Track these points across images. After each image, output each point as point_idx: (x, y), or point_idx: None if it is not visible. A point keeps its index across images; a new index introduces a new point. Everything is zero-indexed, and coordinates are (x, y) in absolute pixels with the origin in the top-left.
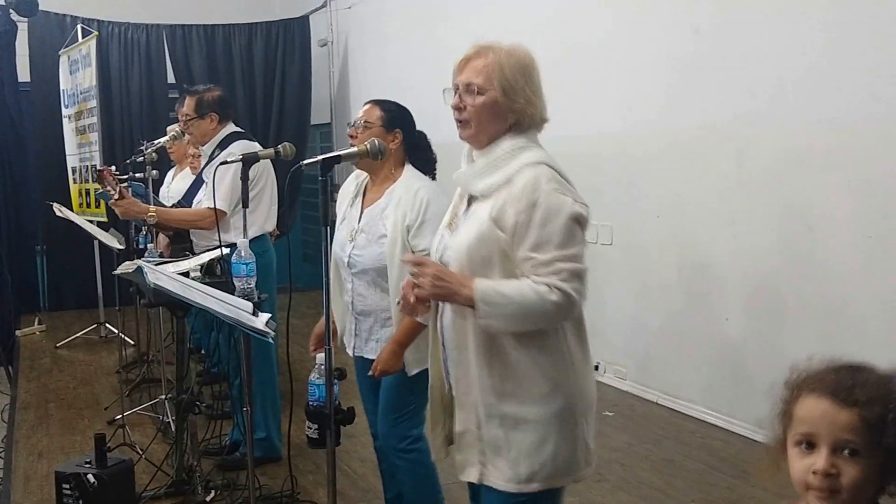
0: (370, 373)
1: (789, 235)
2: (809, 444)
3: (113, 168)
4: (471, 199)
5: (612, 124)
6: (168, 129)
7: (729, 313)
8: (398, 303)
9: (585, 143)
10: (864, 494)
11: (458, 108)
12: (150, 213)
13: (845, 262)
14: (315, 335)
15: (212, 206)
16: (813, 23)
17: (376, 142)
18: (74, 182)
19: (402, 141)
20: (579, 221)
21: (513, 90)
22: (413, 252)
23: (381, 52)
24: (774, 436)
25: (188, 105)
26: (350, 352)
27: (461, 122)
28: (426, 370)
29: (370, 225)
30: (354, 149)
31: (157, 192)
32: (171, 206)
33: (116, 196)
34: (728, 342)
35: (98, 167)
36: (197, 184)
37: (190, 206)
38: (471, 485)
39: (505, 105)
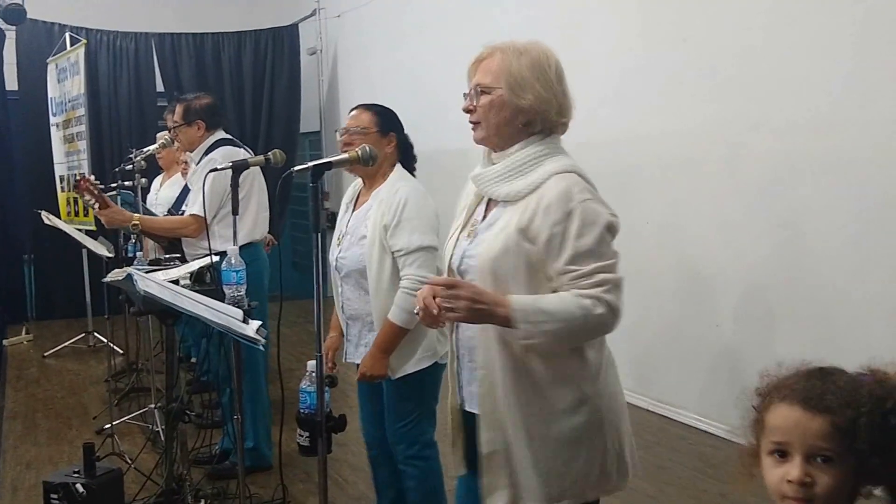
0: (357, 379)
1: (781, 242)
2: (782, 453)
3: (92, 177)
4: (489, 204)
5: (605, 132)
6: (158, 136)
7: (721, 320)
8: (416, 313)
9: (578, 150)
10: (839, 499)
11: (468, 111)
12: (133, 223)
13: (836, 268)
14: (329, 348)
15: (193, 212)
16: (802, 29)
17: (367, 148)
18: (62, 190)
19: (397, 144)
20: (613, 231)
21: (520, 87)
22: (391, 253)
23: (370, 60)
24: (747, 444)
25: (176, 112)
26: (344, 358)
27: (473, 125)
28: (422, 371)
29: (354, 227)
30: (345, 155)
31: (145, 200)
32: (161, 214)
33: (98, 206)
34: (721, 348)
35: (77, 177)
36: (185, 191)
37: (179, 213)
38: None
39: (512, 103)
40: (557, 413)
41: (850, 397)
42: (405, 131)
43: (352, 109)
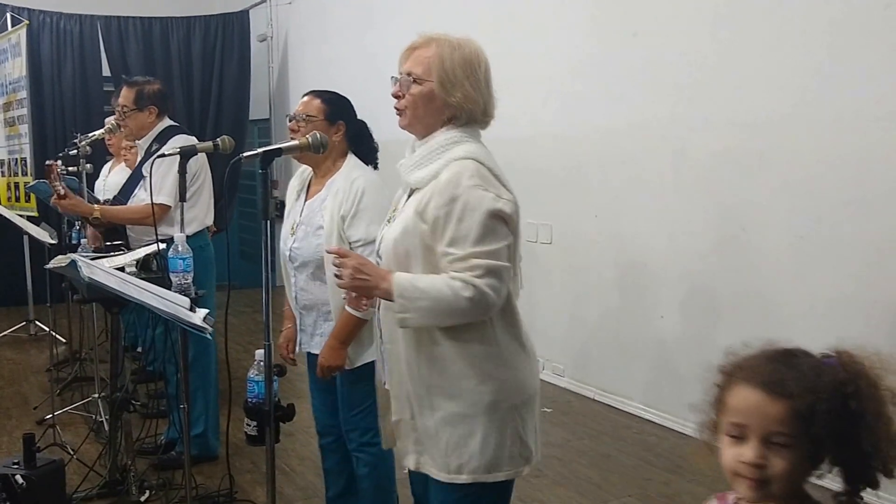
0: (317, 373)
1: (723, 236)
2: (739, 434)
3: (59, 163)
4: (411, 192)
5: (551, 125)
6: (106, 120)
7: (664, 311)
8: (344, 298)
9: (525, 143)
10: (793, 482)
11: (396, 97)
12: (94, 215)
13: (777, 262)
14: (285, 338)
15: (157, 201)
16: (746, 28)
17: (318, 135)
18: (3, 175)
19: (345, 133)
20: (501, 218)
21: (451, 84)
22: (349, 243)
23: (321, 48)
24: (708, 420)
25: (125, 96)
26: (297, 348)
27: (398, 111)
28: (370, 363)
29: (309, 217)
30: (295, 142)
31: (91, 187)
32: (106, 201)
33: (61, 192)
34: (663, 340)
35: (46, 162)
36: (134, 178)
37: (126, 201)
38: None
39: (441, 98)
40: (458, 389)
41: (811, 383)
42: (361, 119)
43: (304, 95)
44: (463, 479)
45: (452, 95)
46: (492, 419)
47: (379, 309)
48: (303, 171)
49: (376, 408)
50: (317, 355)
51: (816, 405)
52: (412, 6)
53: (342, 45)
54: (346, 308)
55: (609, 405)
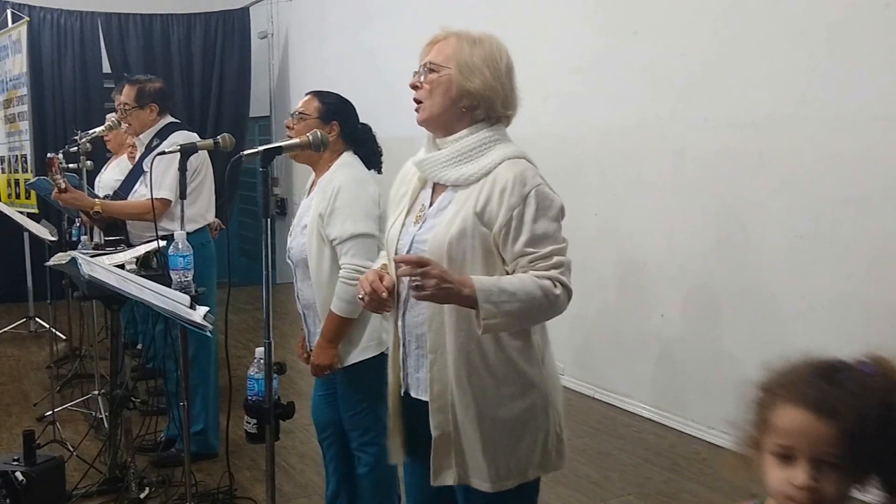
0: (310, 371)
1: (723, 234)
2: (788, 456)
3: (60, 156)
4: (435, 189)
5: (551, 124)
6: (108, 117)
7: (664, 310)
8: (361, 298)
9: (525, 141)
10: (843, 499)
11: (414, 87)
12: (95, 208)
13: (776, 260)
14: (301, 337)
15: (158, 196)
16: (746, 27)
17: (318, 133)
18: (3, 172)
19: (340, 133)
20: (563, 215)
21: (469, 70)
22: (329, 241)
23: (322, 45)
24: (748, 438)
25: (127, 94)
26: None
27: (417, 103)
28: (367, 360)
29: (300, 217)
30: (296, 140)
31: (91, 183)
32: (104, 197)
33: (62, 186)
34: (663, 338)
35: (48, 155)
36: (135, 174)
37: (126, 197)
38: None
39: (459, 84)
40: (506, 396)
41: (858, 399)
42: (364, 123)
43: (306, 94)
44: (509, 484)
45: (471, 82)
46: (537, 423)
47: (403, 316)
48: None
49: (378, 407)
50: None
51: (866, 423)
52: (413, 4)
53: (343, 42)
54: (331, 308)
55: (608, 403)
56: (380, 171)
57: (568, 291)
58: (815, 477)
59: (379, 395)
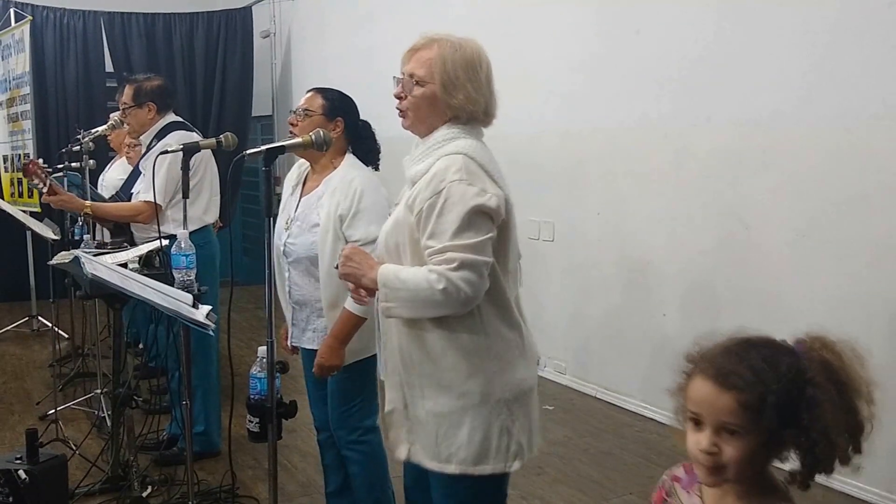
0: (314, 371)
1: (726, 233)
2: (697, 422)
3: (41, 160)
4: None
5: (553, 123)
6: (111, 116)
7: (666, 309)
8: (353, 294)
9: (527, 141)
10: (749, 467)
11: (398, 97)
12: (85, 210)
13: (779, 259)
14: (284, 337)
15: (147, 199)
16: (748, 26)
17: (321, 132)
18: (6, 171)
19: (344, 130)
20: (484, 212)
21: (453, 86)
22: (347, 243)
23: (324, 45)
24: (677, 406)
25: (126, 94)
26: (288, 342)
27: (400, 112)
28: (367, 359)
29: (305, 214)
30: (299, 139)
31: (94, 183)
32: (109, 198)
33: (45, 190)
34: (665, 337)
35: (27, 158)
36: (135, 175)
37: (128, 198)
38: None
39: (443, 100)
40: (448, 380)
41: (761, 375)
42: (364, 120)
43: (308, 91)
44: (451, 468)
45: (454, 97)
46: (479, 412)
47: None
48: (300, 165)
49: (366, 406)
50: (309, 350)
51: (766, 396)
52: (415, 3)
53: (345, 41)
54: (346, 306)
55: (610, 403)
56: (377, 168)
57: (456, 287)
58: (717, 442)
59: (371, 394)
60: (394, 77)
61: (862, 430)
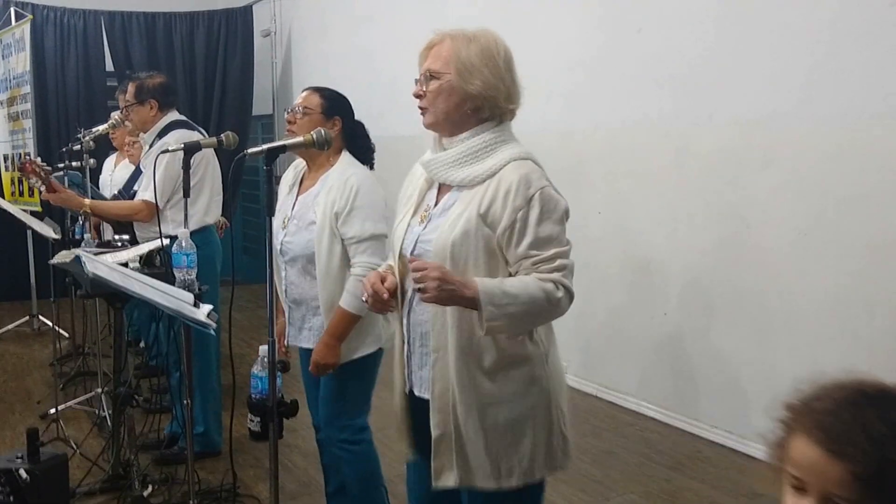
0: (311, 370)
1: (727, 232)
2: (800, 488)
3: (38, 159)
4: (440, 189)
5: (554, 122)
6: (112, 115)
7: (667, 308)
8: (364, 300)
9: (529, 139)
10: None
11: (418, 96)
12: (84, 209)
13: (780, 258)
14: (279, 334)
15: (145, 198)
16: (749, 25)
17: (323, 131)
18: (6, 170)
19: (341, 129)
20: (568, 217)
21: (469, 73)
22: (342, 240)
23: (325, 44)
24: (773, 460)
25: (129, 91)
26: (286, 341)
27: (421, 110)
28: (361, 358)
29: (301, 212)
30: (300, 138)
31: (94, 181)
32: (111, 197)
33: (44, 189)
34: (666, 337)
35: (27, 158)
36: (137, 173)
37: (130, 196)
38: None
39: (461, 89)
40: (508, 395)
41: (881, 443)
42: (358, 119)
43: (303, 90)
44: (513, 483)
45: (471, 84)
46: (542, 419)
47: (408, 314)
48: (297, 164)
49: (358, 405)
50: (307, 349)
51: (885, 470)
52: (416, 2)
53: (346, 40)
54: (341, 304)
55: (612, 402)
56: (371, 168)
57: (570, 294)
58: None
59: (364, 393)
60: (415, 80)
61: None
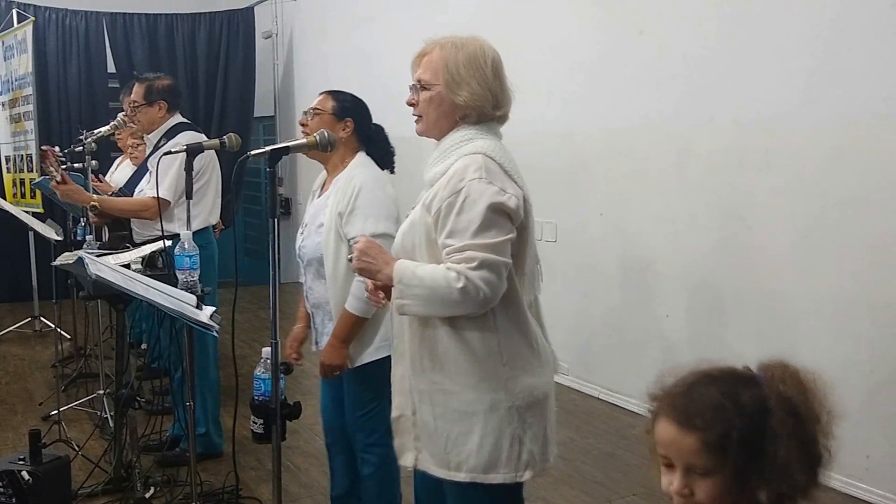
0: (320, 372)
1: (728, 234)
2: (668, 463)
3: (56, 149)
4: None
5: (556, 123)
6: (118, 115)
7: (669, 310)
8: (367, 296)
9: (530, 141)
10: (729, 501)
11: (411, 104)
12: (92, 203)
13: (781, 259)
14: (294, 339)
15: (153, 195)
16: (751, 26)
17: (325, 133)
18: (8, 171)
19: (354, 131)
20: (503, 211)
21: (456, 84)
22: (346, 240)
23: (326, 46)
24: (649, 443)
25: (136, 92)
26: (313, 346)
27: (415, 117)
28: (376, 361)
29: (314, 215)
30: (303, 140)
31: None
32: (110, 194)
33: (58, 178)
34: (668, 338)
35: (42, 147)
36: (140, 172)
37: (131, 195)
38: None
39: (449, 99)
40: (458, 385)
41: (722, 412)
42: (377, 123)
43: (320, 93)
44: (461, 476)
45: (458, 95)
46: (489, 419)
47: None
48: (323, 171)
49: (384, 408)
50: None
51: (730, 434)
52: (417, 4)
53: (347, 42)
54: (346, 307)
55: (613, 404)
56: (392, 171)
57: (475, 287)
58: (688, 484)
59: (387, 396)
60: (409, 87)
61: (820, 461)
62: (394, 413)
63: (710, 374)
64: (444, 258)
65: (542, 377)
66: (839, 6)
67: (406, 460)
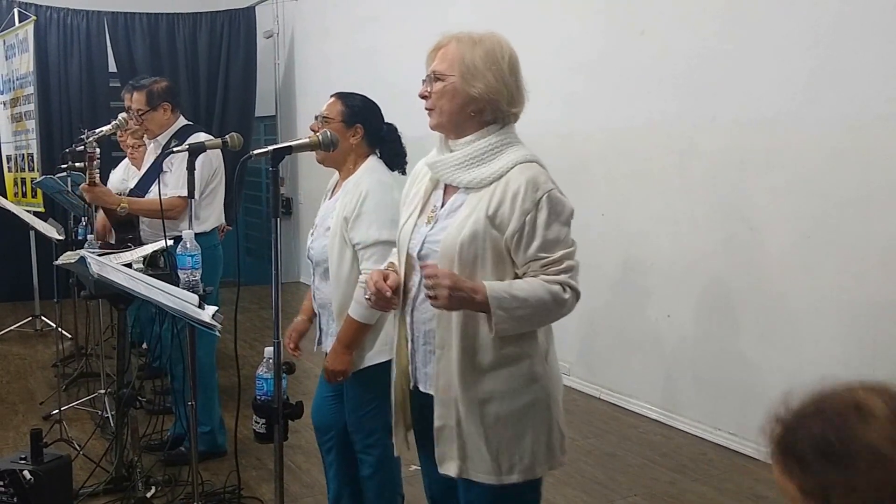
0: (324, 376)
1: (730, 233)
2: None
3: (98, 151)
4: (446, 190)
5: (557, 123)
6: (119, 115)
7: (671, 311)
8: (367, 298)
9: (531, 141)
10: None
11: (423, 97)
12: (121, 206)
13: (784, 260)
14: (293, 330)
15: (181, 194)
16: (753, 26)
17: (328, 133)
18: (9, 171)
19: (364, 136)
20: (572, 218)
21: (472, 76)
22: (352, 245)
23: (327, 45)
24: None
25: (138, 100)
26: (315, 347)
27: (428, 111)
28: (379, 364)
29: (323, 218)
30: (305, 139)
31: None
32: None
33: (97, 181)
34: (669, 339)
35: (87, 150)
36: (152, 173)
37: (143, 196)
38: (429, 474)
39: (464, 91)
40: (509, 392)
41: (817, 455)
42: (389, 122)
43: (331, 96)
44: (514, 478)
45: (474, 87)
46: (540, 416)
47: (412, 312)
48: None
49: (383, 409)
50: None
51: (827, 486)
52: (418, 3)
53: (348, 41)
54: (349, 313)
55: (614, 404)
56: (403, 172)
57: (576, 294)
58: None
59: (386, 397)
60: (422, 80)
61: None
62: (437, 423)
63: (822, 401)
64: (537, 270)
65: (556, 359)
66: (841, 6)
67: (448, 469)
